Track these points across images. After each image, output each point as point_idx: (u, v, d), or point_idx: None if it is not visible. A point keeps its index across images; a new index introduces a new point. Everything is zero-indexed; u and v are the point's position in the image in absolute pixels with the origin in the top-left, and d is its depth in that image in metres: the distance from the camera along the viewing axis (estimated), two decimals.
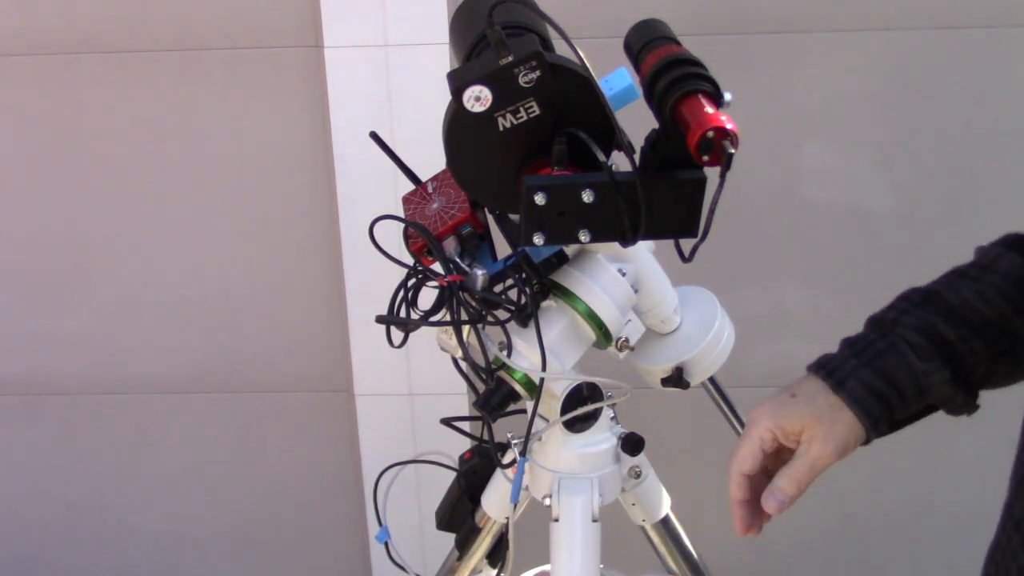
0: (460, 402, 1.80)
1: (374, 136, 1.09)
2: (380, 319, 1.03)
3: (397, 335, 1.07)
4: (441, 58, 1.68)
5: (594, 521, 1.12)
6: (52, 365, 1.99)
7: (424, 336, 1.13)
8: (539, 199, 0.91)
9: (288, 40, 1.73)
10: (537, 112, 0.89)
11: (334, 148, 1.75)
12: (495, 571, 1.30)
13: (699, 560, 1.29)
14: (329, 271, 1.86)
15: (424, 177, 1.14)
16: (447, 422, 1.20)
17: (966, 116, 1.70)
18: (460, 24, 1.06)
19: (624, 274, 1.05)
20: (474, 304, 1.00)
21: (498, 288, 1.03)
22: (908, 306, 0.87)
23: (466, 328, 1.04)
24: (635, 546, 1.30)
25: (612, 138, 0.93)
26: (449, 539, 1.33)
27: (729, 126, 0.85)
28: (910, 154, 1.74)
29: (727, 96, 0.90)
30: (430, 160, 1.10)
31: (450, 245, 1.02)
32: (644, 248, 1.09)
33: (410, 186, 1.14)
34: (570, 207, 0.92)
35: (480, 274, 0.98)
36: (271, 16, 1.72)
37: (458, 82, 0.89)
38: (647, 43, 0.95)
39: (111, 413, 2.01)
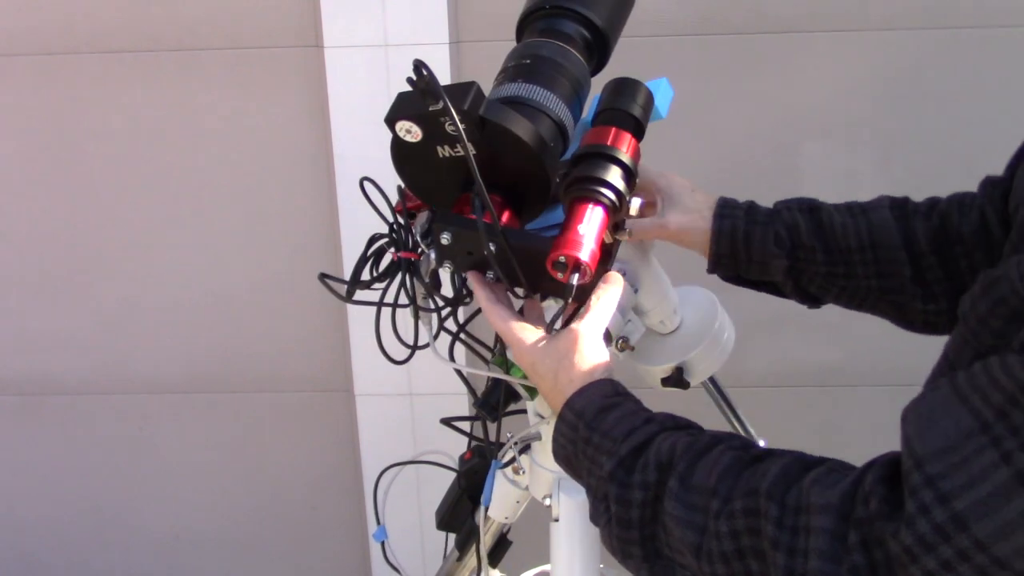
0: (460, 402, 1.80)
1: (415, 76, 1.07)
2: (322, 276, 1.03)
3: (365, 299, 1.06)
4: (441, 58, 1.68)
5: None
6: (52, 365, 1.99)
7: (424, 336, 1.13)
8: (444, 239, 0.92)
9: (288, 40, 1.73)
10: (473, 151, 0.89)
11: (334, 148, 1.75)
12: (495, 571, 1.30)
13: None
14: (329, 271, 1.85)
15: None
16: (447, 422, 1.20)
17: (966, 115, 1.70)
18: None
19: (624, 273, 1.05)
20: (423, 285, 1.00)
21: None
22: (796, 205, 1.05)
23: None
24: None
25: (548, 190, 0.93)
26: (449, 539, 1.33)
27: (585, 259, 0.86)
28: (910, 153, 1.74)
29: (635, 205, 0.93)
30: None
31: (422, 218, 1.02)
32: (644, 248, 1.09)
33: None
34: (475, 251, 0.92)
35: (434, 258, 0.98)
36: (271, 16, 1.72)
37: (390, 114, 0.90)
38: (604, 111, 0.96)
39: (111, 413, 2.01)
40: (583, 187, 0.90)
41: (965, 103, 1.70)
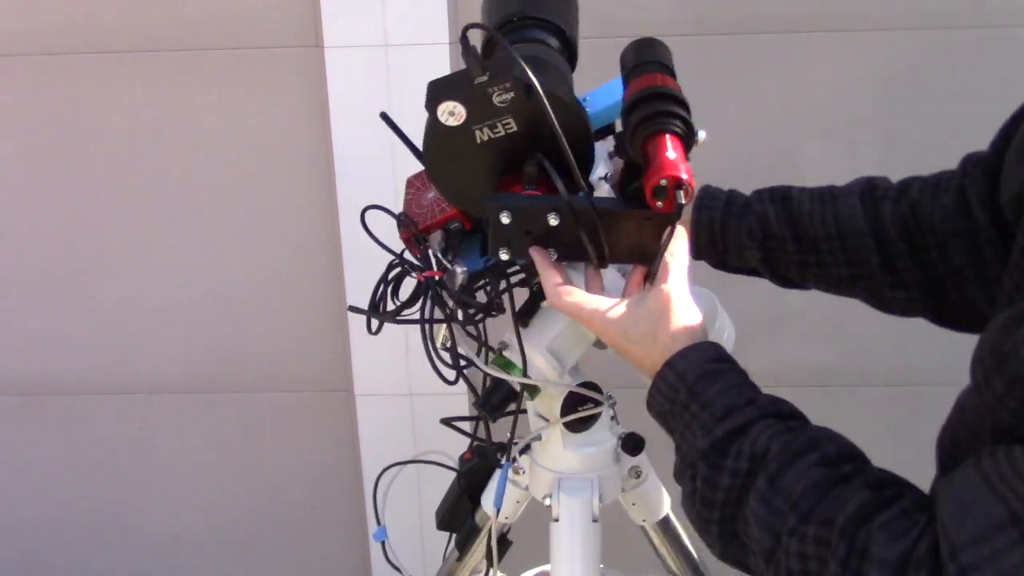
0: (460, 402, 1.80)
1: (384, 116, 1.07)
2: (351, 309, 1.02)
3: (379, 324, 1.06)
4: (441, 58, 1.68)
5: (594, 521, 1.12)
6: (52, 365, 1.99)
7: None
8: (504, 218, 0.91)
9: (288, 40, 1.73)
10: (515, 128, 0.88)
11: (334, 148, 1.75)
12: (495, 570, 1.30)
13: (699, 560, 1.29)
14: (329, 271, 1.86)
15: None
16: (447, 422, 1.20)
17: (966, 115, 1.70)
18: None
19: (624, 274, 1.05)
20: (450, 302, 0.99)
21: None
22: (769, 196, 1.07)
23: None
24: (635, 546, 1.30)
25: (588, 161, 0.92)
26: (450, 539, 1.33)
27: (684, 176, 0.85)
28: (910, 153, 1.73)
29: (701, 135, 0.91)
30: None
31: (436, 238, 1.01)
32: None
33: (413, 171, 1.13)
34: (535, 228, 0.91)
35: (460, 272, 0.97)
36: (271, 16, 1.72)
37: (432, 96, 0.89)
38: (638, 65, 0.95)
39: (111, 413, 2.01)
40: (653, 122, 0.89)
41: (965, 103, 1.70)
